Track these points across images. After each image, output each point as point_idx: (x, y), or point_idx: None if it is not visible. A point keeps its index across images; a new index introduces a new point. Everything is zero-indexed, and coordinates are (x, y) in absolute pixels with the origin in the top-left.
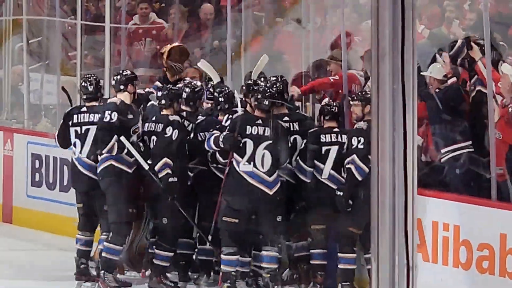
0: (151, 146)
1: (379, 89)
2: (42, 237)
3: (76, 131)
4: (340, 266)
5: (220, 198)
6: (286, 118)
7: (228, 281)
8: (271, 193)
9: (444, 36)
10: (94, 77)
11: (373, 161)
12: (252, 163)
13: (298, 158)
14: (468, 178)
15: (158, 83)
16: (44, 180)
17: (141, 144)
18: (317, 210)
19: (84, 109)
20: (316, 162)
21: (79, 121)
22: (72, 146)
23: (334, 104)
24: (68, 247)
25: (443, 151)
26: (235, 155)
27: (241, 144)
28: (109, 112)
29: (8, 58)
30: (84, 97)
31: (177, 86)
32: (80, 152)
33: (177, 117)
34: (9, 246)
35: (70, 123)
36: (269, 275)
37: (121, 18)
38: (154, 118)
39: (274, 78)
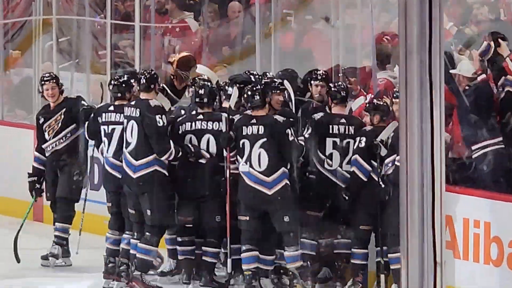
0: (201, 145)
1: (407, 86)
2: (72, 236)
3: (104, 130)
4: (353, 261)
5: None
6: (343, 121)
7: (246, 279)
8: (270, 193)
9: (471, 34)
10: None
11: (402, 159)
12: (248, 163)
13: (356, 156)
14: (498, 175)
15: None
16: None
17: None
18: (365, 209)
19: (112, 108)
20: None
21: (106, 120)
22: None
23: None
24: (99, 246)
25: (473, 148)
26: (237, 156)
27: (241, 145)
28: (159, 116)
29: (38, 57)
30: (114, 95)
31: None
32: (107, 152)
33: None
34: (41, 245)
35: (99, 120)
36: (292, 274)
37: (150, 16)
38: (201, 117)
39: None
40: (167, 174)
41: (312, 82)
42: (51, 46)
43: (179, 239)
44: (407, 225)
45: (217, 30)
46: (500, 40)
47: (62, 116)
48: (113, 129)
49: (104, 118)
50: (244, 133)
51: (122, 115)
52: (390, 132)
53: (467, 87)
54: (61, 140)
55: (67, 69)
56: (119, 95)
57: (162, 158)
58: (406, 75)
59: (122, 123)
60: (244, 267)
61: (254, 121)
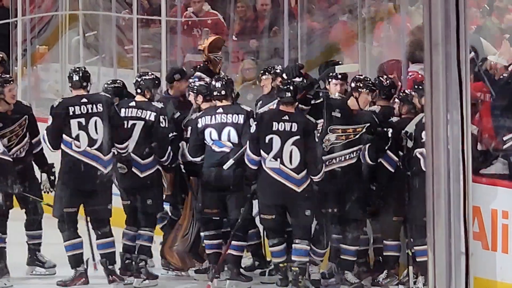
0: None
1: (432, 79)
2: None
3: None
4: (385, 253)
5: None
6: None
7: (279, 272)
8: (299, 190)
9: (495, 26)
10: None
11: (428, 150)
12: (279, 159)
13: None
14: None
15: (199, 74)
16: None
17: None
18: (396, 201)
19: (133, 103)
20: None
21: (126, 115)
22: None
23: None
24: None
25: (505, 138)
26: (261, 151)
27: (267, 141)
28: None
29: (65, 52)
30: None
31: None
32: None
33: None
34: (59, 240)
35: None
36: (297, 268)
37: (177, 11)
38: (221, 110)
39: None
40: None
41: (331, 80)
42: (78, 41)
43: (206, 233)
44: (434, 217)
45: (245, 23)
46: None
47: (27, 122)
48: (134, 124)
49: (124, 113)
50: (274, 129)
51: (144, 111)
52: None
53: (502, 76)
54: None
55: (94, 63)
56: (139, 91)
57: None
58: (431, 68)
59: (143, 119)
60: (276, 260)
61: (286, 117)
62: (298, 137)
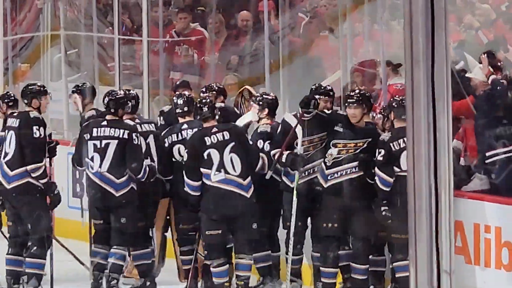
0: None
1: (413, 95)
2: (84, 248)
3: (95, 145)
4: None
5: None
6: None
7: None
8: (248, 195)
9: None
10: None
11: (409, 166)
12: (223, 170)
13: (375, 169)
14: (510, 181)
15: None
16: (85, 190)
17: None
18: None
19: (105, 122)
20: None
21: (98, 134)
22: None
23: None
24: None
25: (488, 154)
26: (203, 169)
27: (206, 156)
28: (37, 127)
29: (46, 70)
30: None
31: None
32: (100, 167)
33: None
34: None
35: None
36: (242, 282)
37: (159, 31)
38: (186, 126)
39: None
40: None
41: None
42: (60, 59)
43: (183, 248)
44: (415, 233)
45: (226, 39)
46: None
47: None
48: (107, 144)
49: (96, 133)
50: (208, 143)
51: (116, 129)
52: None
53: (481, 92)
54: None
55: (76, 81)
56: (112, 110)
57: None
58: (412, 84)
59: (116, 138)
60: (219, 281)
61: (215, 129)
62: (233, 143)
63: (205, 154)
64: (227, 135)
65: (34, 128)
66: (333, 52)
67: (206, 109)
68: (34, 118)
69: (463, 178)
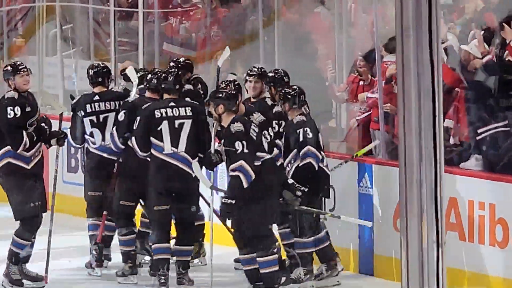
0: None
1: (403, 65)
2: (78, 222)
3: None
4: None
5: None
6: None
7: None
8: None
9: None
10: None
11: (400, 137)
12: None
13: (309, 146)
14: (504, 157)
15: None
16: (80, 165)
17: None
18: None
19: (97, 97)
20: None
21: (93, 110)
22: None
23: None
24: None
25: (479, 131)
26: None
27: (158, 129)
28: (11, 108)
29: (41, 45)
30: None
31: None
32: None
33: None
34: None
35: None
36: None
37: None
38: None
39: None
40: (23, 165)
41: (247, 78)
42: (55, 34)
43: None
44: (406, 205)
45: (222, 13)
46: (504, 24)
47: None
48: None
49: (90, 108)
50: (164, 115)
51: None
52: None
53: (474, 70)
54: None
55: (71, 56)
56: (99, 79)
57: (18, 151)
58: (402, 54)
59: (113, 110)
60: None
61: (172, 103)
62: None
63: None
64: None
65: (8, 109)
66: (325, 26)
67: (170, 80)
68: (7, 99)
69: (457, 155)
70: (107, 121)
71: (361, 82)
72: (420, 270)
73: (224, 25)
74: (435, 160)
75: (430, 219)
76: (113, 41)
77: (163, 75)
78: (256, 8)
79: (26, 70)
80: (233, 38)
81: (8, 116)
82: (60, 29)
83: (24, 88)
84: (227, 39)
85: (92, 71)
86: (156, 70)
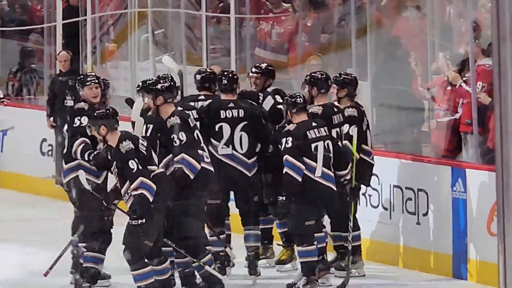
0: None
1: (500, 71)
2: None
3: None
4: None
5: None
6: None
7: (218, 261)
8: (250, 174)
9: None
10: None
11: (497, 142)
12: (230, 146)
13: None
14: None
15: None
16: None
17: None
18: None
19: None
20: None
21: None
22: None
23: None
24: None
25: None
26: (212, 140)
27: (217, 129)
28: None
29: (134, 50)
30: None
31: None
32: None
33: None
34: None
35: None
36: (253, 252)
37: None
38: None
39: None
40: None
41: (249, 74)
42: (147, 39)
43: None
44: (503, 209)
45: (316, 17)
46: None
47: None
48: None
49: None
50: (222, 117)
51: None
52: None
53: None
54: None
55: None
56: (206, 85)
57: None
58: (499, 60)
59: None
60: (215, 249)
61: (232, 104)
62: (245, 122)
63: (216, 127)
64: (241, 113)
65: (76, 119)
66: (414, 30)
67: (226, 81)
68: (76, 110)
69: None
70: None
71: (449, 87)
72: None
73: (314, 30)
74: None
75: None
76: (204, 46)
77: (219, 76)
78: (348, 15)
79: (96, 82)
80: (322, 43)
81: (74, 125)
82: (152, 34)
83: (92, 101)
84: (316, 44)
85: (199, 76)
86: (223, 70)
